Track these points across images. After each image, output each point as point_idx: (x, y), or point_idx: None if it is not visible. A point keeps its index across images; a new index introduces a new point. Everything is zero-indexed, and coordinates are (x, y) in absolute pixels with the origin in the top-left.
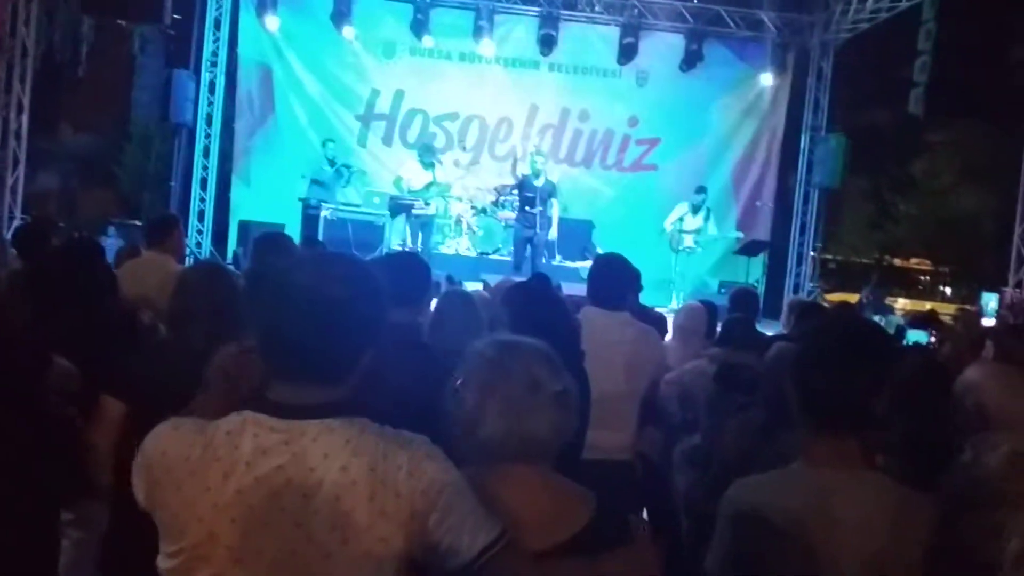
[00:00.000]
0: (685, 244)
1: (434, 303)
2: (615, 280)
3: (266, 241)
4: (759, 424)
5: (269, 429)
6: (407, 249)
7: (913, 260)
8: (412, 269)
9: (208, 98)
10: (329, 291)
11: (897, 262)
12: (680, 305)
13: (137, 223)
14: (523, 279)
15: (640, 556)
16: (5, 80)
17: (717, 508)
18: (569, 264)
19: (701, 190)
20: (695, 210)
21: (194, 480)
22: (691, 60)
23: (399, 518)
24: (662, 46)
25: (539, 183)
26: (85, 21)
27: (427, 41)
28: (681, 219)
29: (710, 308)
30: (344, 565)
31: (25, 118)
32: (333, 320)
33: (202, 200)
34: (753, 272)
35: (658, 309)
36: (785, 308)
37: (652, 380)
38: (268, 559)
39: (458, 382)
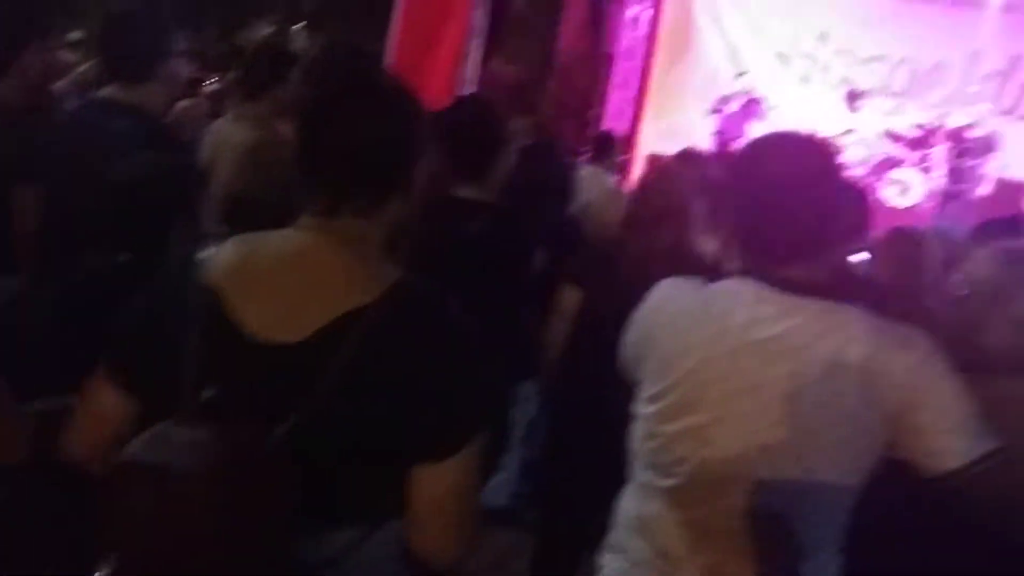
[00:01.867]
0: None
1: None
2: None
3: None
4: None
5: (767, 300)
6: None
7: None
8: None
9: (632, 31)
10: (810, 163)
11: None
12: None
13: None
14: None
15: None
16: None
17: None
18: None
19: None
20: None
21: (691, 333)
22: None
23: (889, 412)
24: None
25: (978, 135)
26: None
27: None
28: None
29: None
30: (824, 446)
31: (477, 44)
32: (815, 194)
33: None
34: None
35: None
36: None
37: None
38: (749, 423)
39: (963, 287)
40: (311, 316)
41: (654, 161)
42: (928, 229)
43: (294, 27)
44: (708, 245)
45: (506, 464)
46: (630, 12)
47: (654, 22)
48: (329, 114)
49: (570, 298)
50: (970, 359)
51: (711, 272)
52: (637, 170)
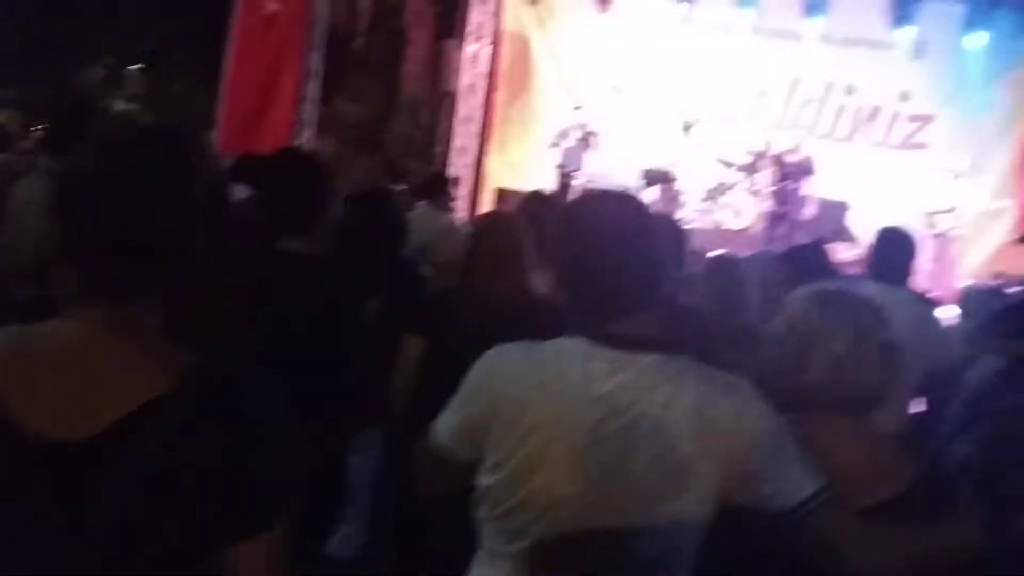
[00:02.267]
0: (940, 228)
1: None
2: (900, 255)
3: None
4: None
5: (597, 357)
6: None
7: None
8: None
9: (472, 69)
10: (628, 221)
11: None
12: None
13: (403, 187)
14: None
15: (966, 523)
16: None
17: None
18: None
19: (957, 164)
20: (948, 184)
21: (528, 396)
22: (978, 29)
23: (721, 459)
24: (943, 15)
25: (795, 160)
26: None
27: (686, 11)
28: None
29: (999, 295)
30: (661, 497)
31: (315, 85)
32: (638, 249)
33: (462, 168)
34: None
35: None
36: None
37: (931, 366)
38: (590, 482)
39: (781, 327)
40: (99, 411)
41: (500, 195)
42: (754, 255)
43: (128, 68)
44: (548, 287)
45: (350, 516)
46: (470, 49)
47: (494, 58)
48: (85, 189)
49: (412, 346)
50: (792, 398)
51: (552, 315)
52: (484, 205)
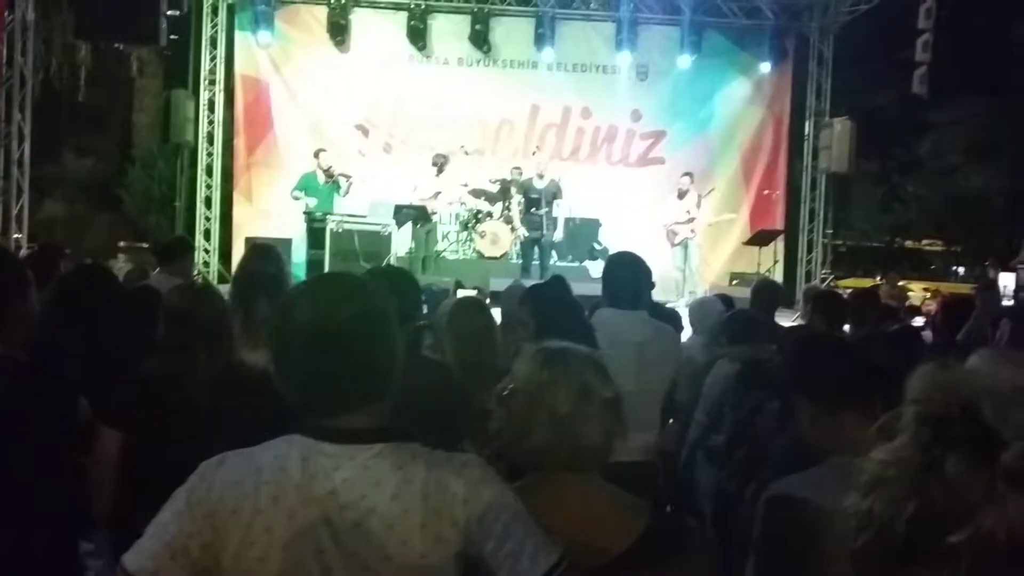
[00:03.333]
0: (680, 237)
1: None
2: (631, 280)
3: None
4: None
5: (318, 453)
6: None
7: (924, 241)
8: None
9: (208, 116)
10: (344, 312)
11: (908, 244)
12: (692, 300)
13: (144, 245)
14: (535, 282)
15: (697, 568)
16: (5, 110)
17: (743, 506)
18: (576, 264)
19: (687, 175)
20: (680, 196)
21: (247, 504)
22: (690, 51)
23: (454, 545)
24: (660, 39)
25: (542, 185)
26: (82, 47)
27: (424, 48)
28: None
29: (726, 302)
30: None
31: (27, 147)
32: (357, 341)
33: (207, 219)
34: (765, 262)
35: (669, 304)
36: (801, 297)
37: (672, 379)
38: None
39: (506, 390)
40: None
41: (251, 245)
42: (505, 291)
43: None
44: (261, 360)
45: None
46: (205, 96)
47: (230, 104)
48: None
49: (111, 443)
50: (522, 461)
51: (268, 390)
52: (236, 256)
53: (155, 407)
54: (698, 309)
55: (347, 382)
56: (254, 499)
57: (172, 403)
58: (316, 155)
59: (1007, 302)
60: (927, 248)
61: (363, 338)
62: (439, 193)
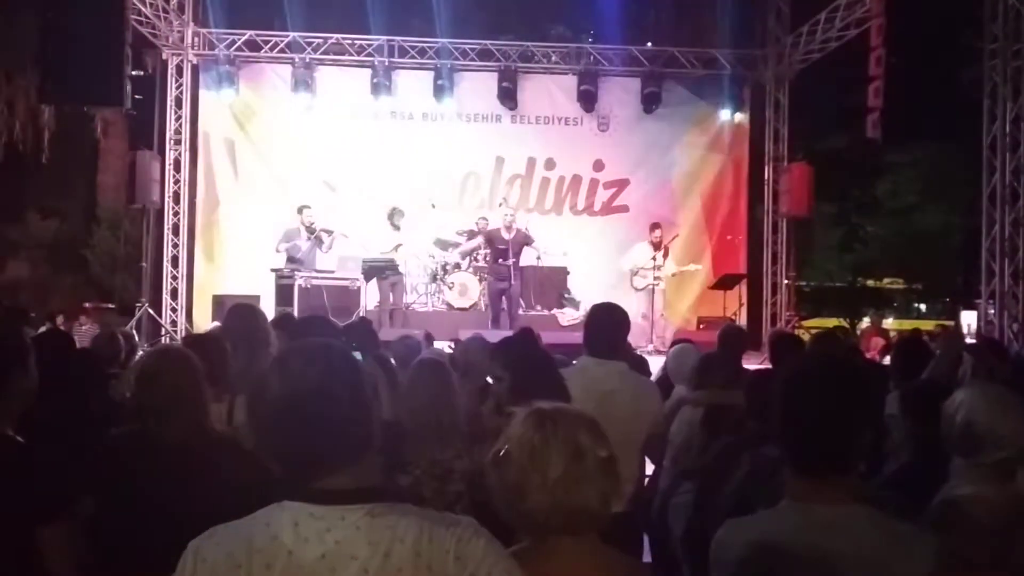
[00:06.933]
0: (643, 284)
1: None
2: (612, 331)
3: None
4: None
5: (309, 516)
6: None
7: (886, 280)
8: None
9: (174, 176)
10: (324, 376)
11: (871, 283)
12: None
13: (111, 306)
14: (505, 333)
15: None
16: None
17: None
18: (545, 312)
19: (655, 227)
20: (655, 247)
21: (240, 574)
22: (650, 102)
23: None
24: (620, 91)
25: (509, 235)
26: (46, 109)
27: (388, 103)
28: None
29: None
30: None
31: None
32: (335, 404)
33: (174, 278)
34: (731, 305)
35: (638, 350)
36: (767, 341)
37: (650, 430)
38: None
39: (500, 452)
40: None
41: (217, 303)
42: (467, 341)
43: None
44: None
45: None
46: (171, 156)
47: (193, 164)
48: None
49: (83, 509)
50: (518, 524)
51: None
52: (205, 315)
53: (123, 473)
54: (675, 359)
55: (321, 446)
56: (247, 568)
57: (140, 469)
58: (300, 211)
59: (969, 340)
60: (888, 287)
61: (341, 399)
62: (401, 245)
